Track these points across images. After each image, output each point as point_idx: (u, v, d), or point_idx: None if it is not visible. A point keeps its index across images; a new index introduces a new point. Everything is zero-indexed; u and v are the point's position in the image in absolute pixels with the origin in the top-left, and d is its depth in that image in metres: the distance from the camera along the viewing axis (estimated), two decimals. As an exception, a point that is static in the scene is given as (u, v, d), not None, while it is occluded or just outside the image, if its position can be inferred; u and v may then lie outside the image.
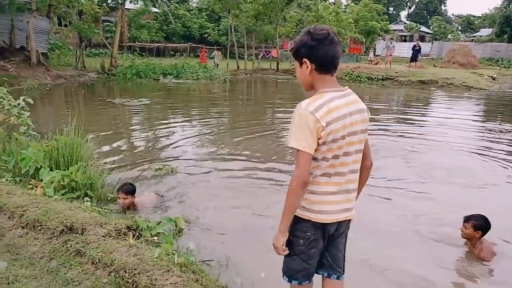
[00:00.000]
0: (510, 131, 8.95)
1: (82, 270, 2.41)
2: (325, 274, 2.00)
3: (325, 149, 1.70)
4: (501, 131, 8.93)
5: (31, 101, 5.02)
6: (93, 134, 5.90)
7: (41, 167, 4.04)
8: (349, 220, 1.93)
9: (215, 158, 6.11)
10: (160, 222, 3.38)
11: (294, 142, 1.67)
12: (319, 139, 1.67)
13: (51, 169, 4.07)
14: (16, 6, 15.95)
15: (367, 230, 3.57)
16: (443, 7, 72.19)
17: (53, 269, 2.41)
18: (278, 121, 10.11)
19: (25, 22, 16.47)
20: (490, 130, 9.11)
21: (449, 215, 4.03)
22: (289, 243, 1.84)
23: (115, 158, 5.79)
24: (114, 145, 6.61)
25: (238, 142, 7.17)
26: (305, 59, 1.72)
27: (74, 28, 19.92)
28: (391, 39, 32.57)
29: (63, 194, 3.78)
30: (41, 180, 3.86)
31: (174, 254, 2.63)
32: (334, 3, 33.59)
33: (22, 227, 2.86)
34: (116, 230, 2.86)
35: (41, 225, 2.81)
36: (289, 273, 1.93)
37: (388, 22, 41.14)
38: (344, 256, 2.02)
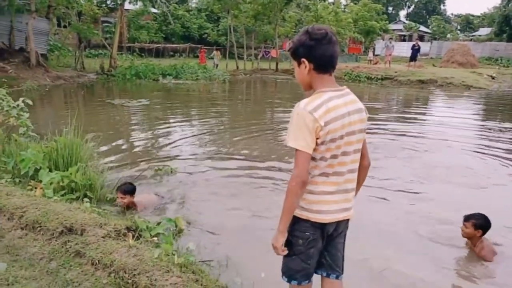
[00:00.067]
0: (509, 130, 8.95)
1: (82, 271, 2.41)
2: (324, 274, 2.00)
3: (323, 148, 1.70)
4: (500, 130, 8.93)
5: (30, 102, 5.02)
6: (93, 134, 5.89)
7: (40, 168, 4.03)
8: (347, 220, 1.93)
9: (214, 158, 6.12)
10: (159, 223, 3.38)
11: (293, 142, 1.67)
12: (317, 138, 1.67)
13: (50, 170, 4.07)
14: (15, 7, 15.95)
15: (367, 230, 3.56)
16: (442, 7, 72.22)
17: (52, 270, 2.41)
18: (277, 120, 10.11)
19: (24, 23, 16.45)
20: (489, 129, 9.11)
21: (449, 214, 4.03)
22: (288, 243, 1.84)
23: (115, 158, 5.80)
24: (114, 145, 6.61)
25: (238, 142, 7.18)
26: (303, 59, 1.72)
27: (73, 29, 19.93)
28: (390, 38, 32.51)
29: (62, 195, 3.78)
30: (41, 181, 3.85)
31: (174, 255, 2.63)
32: (333, 3, 33.64)
33: (22, 228, 2.86)
34: (115, 231, 2.85)
35: (40, 226, 2.81)
36: (289, 273, 1.93)
37: (387, 22, 41.17)
38: (343, 256, 2.02)
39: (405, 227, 3.85)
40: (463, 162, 6.14)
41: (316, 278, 2.01)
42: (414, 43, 23.41)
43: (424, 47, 35.35)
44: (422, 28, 52.04)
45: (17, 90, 11.72)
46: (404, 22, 54.28)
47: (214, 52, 26.18)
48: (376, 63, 26.81)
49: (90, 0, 19.91)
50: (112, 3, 20.47)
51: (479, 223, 3.22)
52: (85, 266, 2.45)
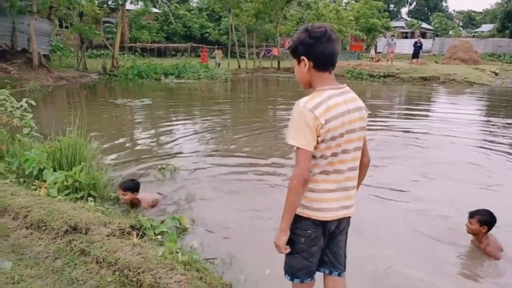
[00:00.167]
0: (513, 126, 8.91)
1: (87, 269, 2.43)
2: (327, 271, 2.01)
3: (323, 147, 1.70)
4: (504, 126, 8.90)
5: (33, 102, 5.04)
6: (96, 134, 5.92)
7: (44, 168, 4.06)
8: (349, 217, 1.93)
9: (217, 156, 6.13)
10: (163, 221, 3.40)
11: (293, 140, 1.67)
12: (318, 136, 1.67)
13: (54, 170, 4.10)
14: (17, 9, 16.01)
15: (367, 229, 3.54)
16: (443, 3, 71.97)
17: (58, 269, 2.43)
18: (279, 118, 10.12)
19: (26, 25, 16.51)
20: (493, 125, 9.08)
21: (453, 211, 4.01)
22: (290, 242, 1.84)
23: (118, 157, 5.82)
24: (117, 144, 6.64)
25: (240, 140, 7.19)
26: (303, 57, 1.72)
27: (75, 30, 19.99)
28: (392, 36, 32.50)
29: (66, 195, 3.80)
30: (45, 181, 3.88)
31: (178, 253, 2.65)
32: (334, 1, 33.48)
33: (27, 228, 2.88)
34: (120, 229, 2.87)
35: (45, 225, 2.83)
36: (291, 271, 1.94)
37: (389, 19, 40.96)
38: (345, 253, 2.03)
39: (407, 225, 3.81)
40: (467, 158, 6.09)
41: (318, 275, 2.02)
42: (416, 40, 23.29)
43: (426, 44, 35.19)
44: (424, 25, 51.85)
45: (20, 91, 11.77)
46: (406, 19, 54.04)
47: (216, 51, 26.17)
48: (378, 61, 26.72)
49: (92, 1, 19.97)
50: (113, 3, 20.51)
51: (484, 219, 3.20)
52: (90, 265, 2.47)
